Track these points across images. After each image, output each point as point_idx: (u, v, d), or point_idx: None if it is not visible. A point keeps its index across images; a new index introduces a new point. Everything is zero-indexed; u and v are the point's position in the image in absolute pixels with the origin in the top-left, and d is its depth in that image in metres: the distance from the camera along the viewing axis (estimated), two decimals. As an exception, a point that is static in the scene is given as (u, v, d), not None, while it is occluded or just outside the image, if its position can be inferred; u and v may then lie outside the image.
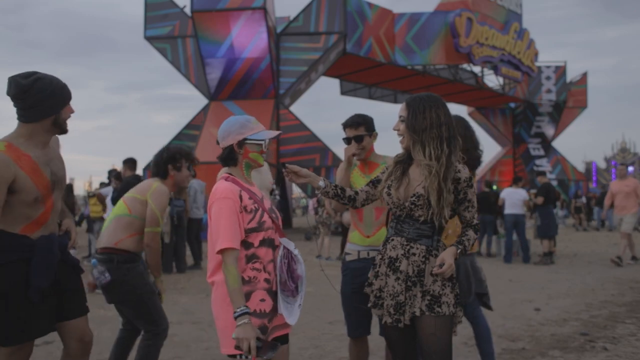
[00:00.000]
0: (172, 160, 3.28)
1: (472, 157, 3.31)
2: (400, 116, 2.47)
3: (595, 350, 4.40)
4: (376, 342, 2.47)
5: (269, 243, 2.33)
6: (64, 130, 2.53)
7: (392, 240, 2.47)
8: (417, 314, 2.33)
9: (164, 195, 3.19)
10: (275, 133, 2.44)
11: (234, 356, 2.23)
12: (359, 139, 3.07)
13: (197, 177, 9.42)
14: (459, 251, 2.37)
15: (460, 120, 3.33)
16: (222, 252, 2.21)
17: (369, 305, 2.51)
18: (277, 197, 15.26)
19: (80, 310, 2.68)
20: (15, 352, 2.44)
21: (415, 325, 2.38)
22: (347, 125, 3.11)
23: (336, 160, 16.25)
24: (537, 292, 7.03)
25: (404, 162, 2.51)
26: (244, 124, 2.37)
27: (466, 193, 2.42)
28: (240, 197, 2.29)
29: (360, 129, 3.08)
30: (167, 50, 17.26)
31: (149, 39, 17.36)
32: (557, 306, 6.14)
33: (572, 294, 6.95)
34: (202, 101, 16.76)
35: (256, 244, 2.30)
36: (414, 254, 2.39)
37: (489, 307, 3.52)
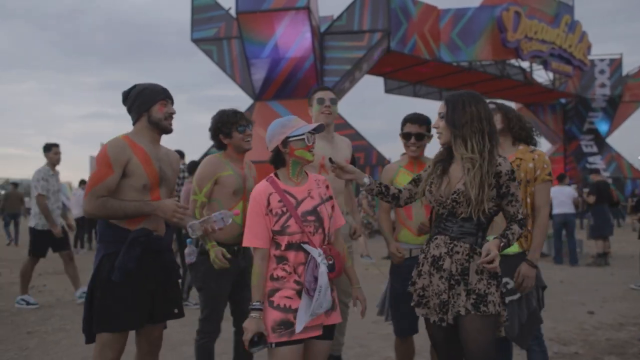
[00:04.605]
0: (219, 130, 3.17)
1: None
2: (439, 113, 2.45)
3: (655, 356, 4.20)
4: (422, 341, 2.44)
5: (296, 247, 2.32)
6: (163, 129, 2.73)
7: (436, 238, 2.44)
8: (462, 313, 2.29)
9: (203, 166, 3.13)
10: (314, 125, 2.40)
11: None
12: (420, 137, 3.10)
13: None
14: (502, 244, 2.30)
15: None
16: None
17: (412, 304, 2.49)
18: None
19: (161, 317, 2.71)
20: (107, 344, 2.52)
21: (458, 325, 2.34)
22: (411, 120, 3.13)
23: (380, 158, 16.14)
24: (590, 294, 6.77)
25: (444, 161, 2.48)
26: (285, 124, 2.39)
27: (509, 187, 2.35)
28: (268, 199, 2.33)
29: (423, 127, 3.11)
30: (214, 52, 17.59)
31: (195, 41, 17.73)
32: (612, 310, 5.89)
33: (630, 297, 6.66)
34: (247, 101, 17.00)
35: (283, 246, 2.33)
36: (457, 252, 2.35)
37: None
